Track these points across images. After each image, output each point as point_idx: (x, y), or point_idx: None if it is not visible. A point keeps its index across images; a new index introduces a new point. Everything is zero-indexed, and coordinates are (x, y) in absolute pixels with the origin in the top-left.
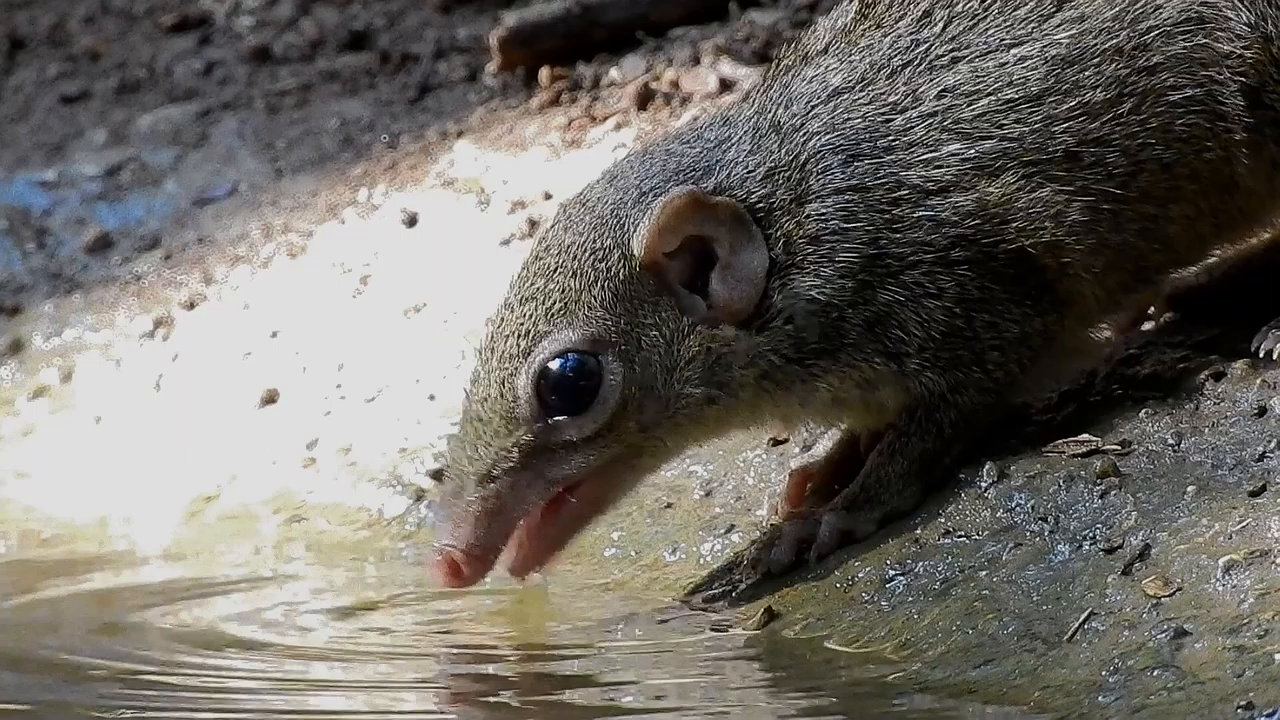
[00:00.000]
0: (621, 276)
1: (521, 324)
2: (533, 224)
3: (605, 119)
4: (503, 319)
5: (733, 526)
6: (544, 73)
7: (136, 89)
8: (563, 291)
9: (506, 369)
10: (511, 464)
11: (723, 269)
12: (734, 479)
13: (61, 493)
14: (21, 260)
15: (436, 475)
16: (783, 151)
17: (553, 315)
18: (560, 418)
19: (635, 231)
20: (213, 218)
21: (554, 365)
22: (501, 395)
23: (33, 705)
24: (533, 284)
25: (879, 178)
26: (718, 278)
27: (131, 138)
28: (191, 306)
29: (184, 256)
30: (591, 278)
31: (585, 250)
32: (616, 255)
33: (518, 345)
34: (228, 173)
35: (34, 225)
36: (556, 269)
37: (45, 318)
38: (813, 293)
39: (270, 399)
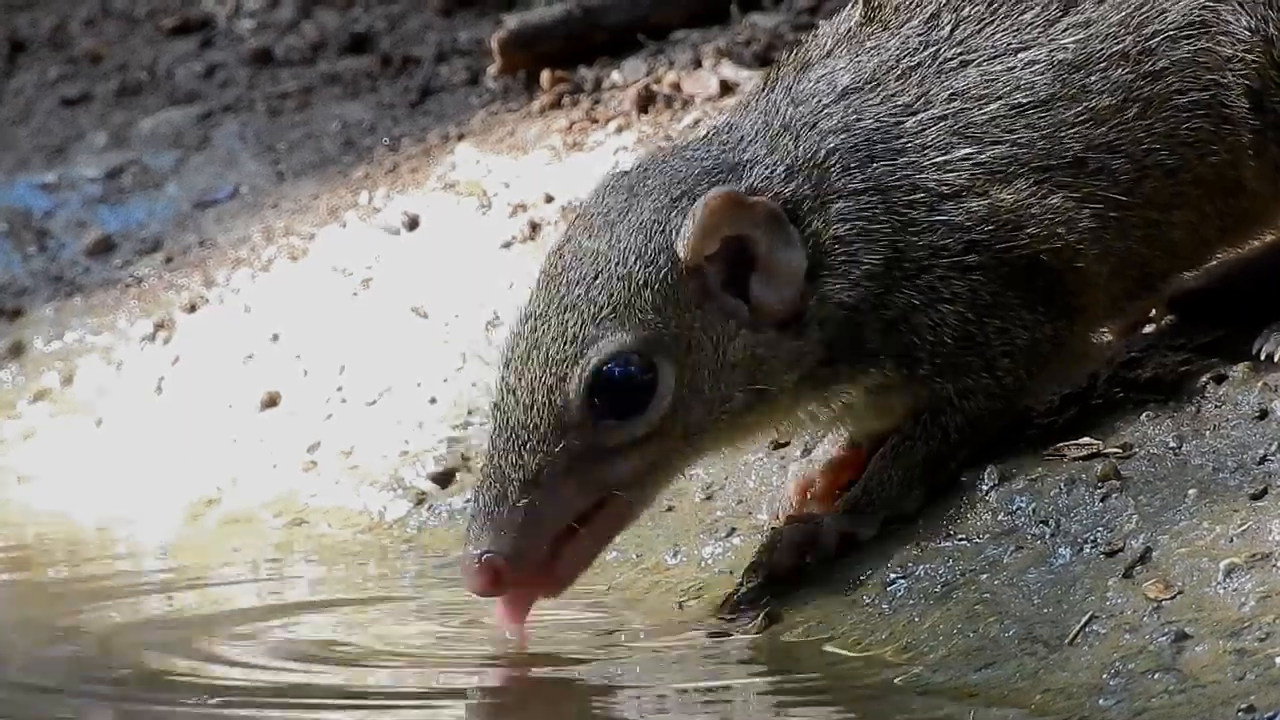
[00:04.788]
0: (669, 280)
1: (564, 331)
2: (534, 227)
3: (606, 122)
4: (536, 328)
5: (734, 529)
6: (545, 75)
7: (138, 91)
8: (610, 296)
9: (555, 374)
10: (557, 469)
11: (763, 271)
12: (735, 482)
13: (62, 496)
14: (22, 263)
15: (438, 478)
16: (799, 150)
17: (601, 320)
18: (610, 421)
19: (679, 234)
20: (214, 220)
21: (608, 369)
22: (550, 401)
23: (31, 709)
24: (572, 292)
25: (895, 179)
26: (758, 280)
27: (132, 140)
28: (192, 309)
29: (185, 259)
30: (640, 281)
31: (631, 254)
32: (663, 258)
33: (564, 351)
34: (229, 175)
35: (35, 228)
36: (598, 275)
37: (46, 320)
38: (843, 295)
39: (271, 402)
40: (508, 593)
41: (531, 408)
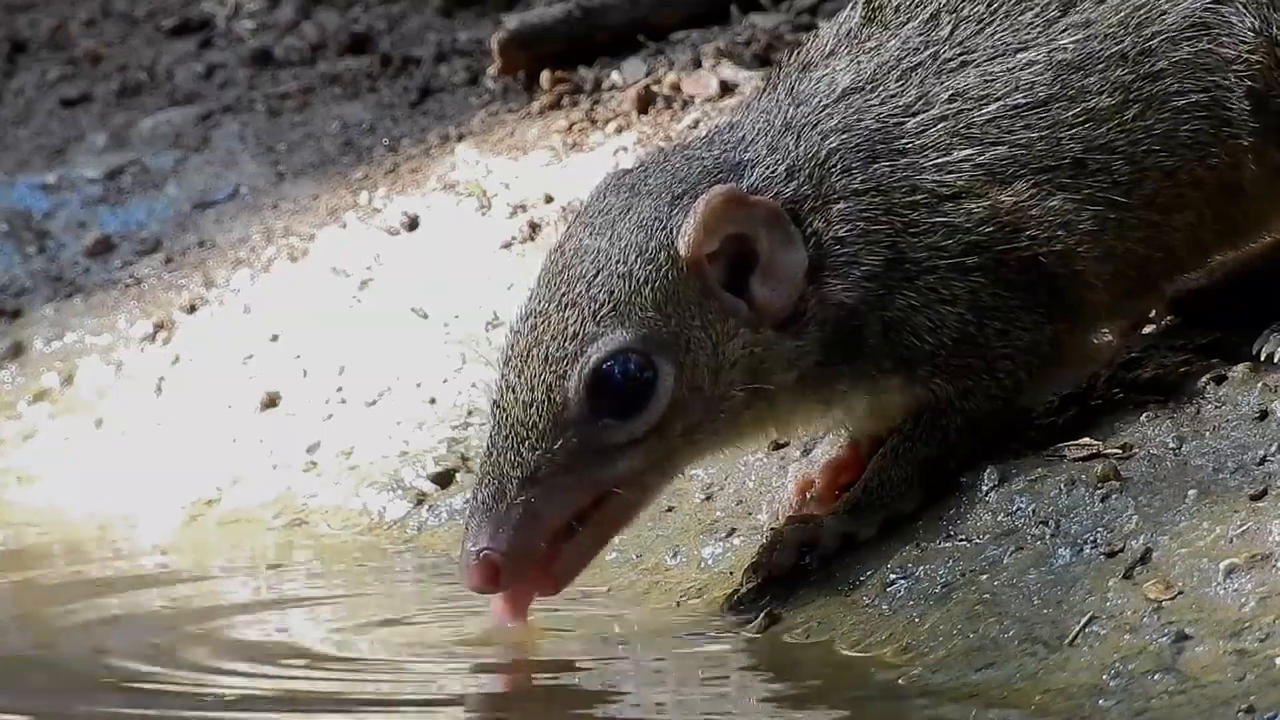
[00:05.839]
0: (670, 277)
1: (565, 328)
2: (534, 227)
3: (606, 122)
4: (536, 326)
5: (734, 530)
6: (545, 76)
7: (138, 92)
8: (610, 293)
9: (554, 372)
10: (556, 467)
11: (763, 270)
12: (735, 482)
13: (62, 496)
14: (22, 263)
15: (438, 479)
16: (800, 150)
17: (601, 317)
18: (609, 420)
19: (680, 232)
20: (214, 221)
21: (607, 367)
22: (549, 399)
23: (33, 713)
24: (572, 289)
25: (895, 180)
26: (758, 279)
27: (132, 141)
28: (192, 310)
29: (185, 260)
30: (641, 278)
31: (631, 252)
32: (663, 255)
33: (564, 348)
34: (229, 176)
35: (35, 228)
36: (598, 273)
37: (46, 321)
38: (843, 296)
39: (271, 402)
40: (506, 590)
41: (531, 405)
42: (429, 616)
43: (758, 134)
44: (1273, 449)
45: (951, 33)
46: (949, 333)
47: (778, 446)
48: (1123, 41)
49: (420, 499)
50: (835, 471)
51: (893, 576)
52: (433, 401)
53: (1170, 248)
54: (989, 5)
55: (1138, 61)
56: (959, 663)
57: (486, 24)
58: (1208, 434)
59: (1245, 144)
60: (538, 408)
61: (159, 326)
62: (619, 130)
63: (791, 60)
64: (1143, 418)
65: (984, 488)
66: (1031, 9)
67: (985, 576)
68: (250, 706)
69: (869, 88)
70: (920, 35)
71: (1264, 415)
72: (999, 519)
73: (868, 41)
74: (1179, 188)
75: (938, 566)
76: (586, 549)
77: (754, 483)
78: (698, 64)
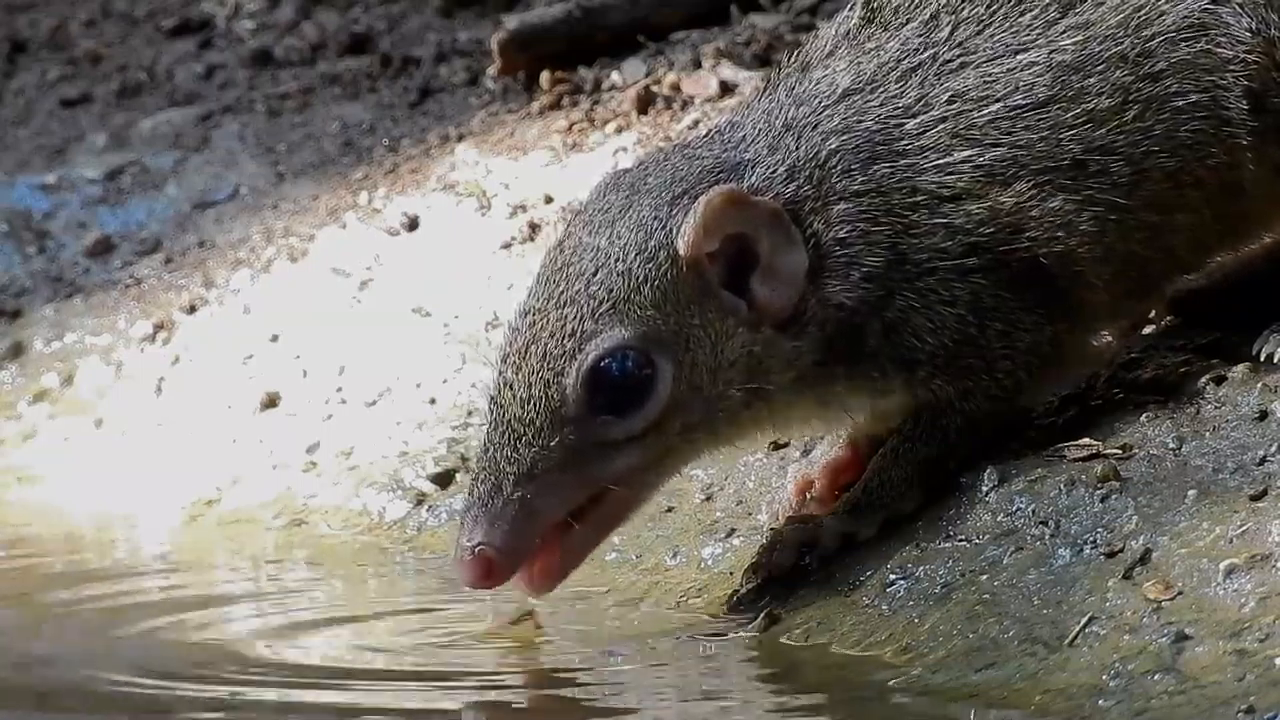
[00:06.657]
0: (669, 276)
1: (564, 325)
2: (534, 227)
3: (606, 122)
4: (534, 323)
5: (733, 530)
6: (545, 76)
7: (137, 92)
8: (609, 291)
9: (552, 369)
10: (553, 464)
11: (763, 270)
12: (734, 483)
13: (62, 496)
14: (22, 264)
15: (438, 479)
16: (801, 150)
17: (600, 315)
18: (607, 417)
19: (679, 231)
20: (214, 221)
21: (605, 364)
22: (546, 395)
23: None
24: (571, 287)
25: (896, 181)
26: (758, 279)
27: (132, 141)
28: (192, 310)
29: (185, 260)
30: (640, 277)
31: (631, 250)
32: (663, 254)
33: (562, 346)
34: (229, 176)
35: (35, 228)
36: (597, 271)
37: (46, 321)
38: (843, 297)
39: (271, 403)
40: (500, 585)
41: (529, 402)
42: (428, 613)
43: (758, 134)
44: (1273, 449)
45: (951, 34)
46: (949, 334)
47: (778, 446)
48: (1122, 43)
49: (420, 499)
50: (835, 472)
51: (893, 577)
52: (433, 401)
53: (1171, 248)
54: (988, 6)
55: (1137, 63)
56: (959, 663)
57: (486, 24)
58: (1208, 434)
59: (1244, 144)
60: (535, 404)
61: (159, 327)
62: (619, 130)
63: (791, 61)
64: (1143, 418)
65: (984, 488)
66: (1031, 10)
67: (985, 577)
68: (250, 704)
69: (869, 89)
70: (920, 36)
71: (1264, 415)
72: (999, 519)
73: (867, 42)
74: (1179, 188)
75: (938, 566)
76: (583, 544)
77: (754, 483)
78: (698, 64)
